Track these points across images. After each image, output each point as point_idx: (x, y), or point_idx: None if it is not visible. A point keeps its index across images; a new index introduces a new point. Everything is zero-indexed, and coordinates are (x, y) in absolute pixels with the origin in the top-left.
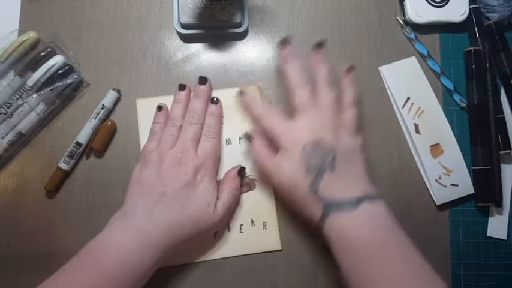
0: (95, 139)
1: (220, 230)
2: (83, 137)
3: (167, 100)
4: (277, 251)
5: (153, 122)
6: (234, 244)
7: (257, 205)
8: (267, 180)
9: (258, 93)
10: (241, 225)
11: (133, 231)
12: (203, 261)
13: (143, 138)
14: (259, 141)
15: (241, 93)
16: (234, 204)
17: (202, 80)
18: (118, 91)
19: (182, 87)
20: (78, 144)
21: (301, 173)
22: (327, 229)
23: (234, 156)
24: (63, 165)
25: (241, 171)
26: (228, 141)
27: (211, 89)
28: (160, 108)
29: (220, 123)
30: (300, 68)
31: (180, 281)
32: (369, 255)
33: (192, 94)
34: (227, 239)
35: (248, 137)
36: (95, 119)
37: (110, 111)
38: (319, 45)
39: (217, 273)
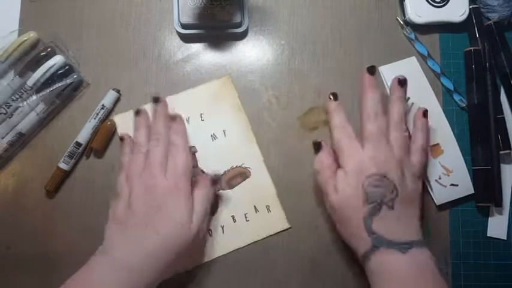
0: (95, 139)
1: (226, 224)
2: (82, 137)
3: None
4: (287, 229)
5: (121, 155)
6: (244, 234)
7: (256, 191)
8: (321, 194)
9: (231, 83)
10: (245, 214)
11: (114, 267)
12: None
13: None
14: (325, 155)
15: (331, 95)
16: (210, 208)
17: (155, 99)
18: (118, 91)
19: (137, 112)
20: (78, 144)
21: (359, 201)
22: (372, 263)
23: (219, 150)
24: (63, 165)
25: (215, 180)
26: (214, 136)
27: (167, 106)
28: (121, 139)
29: (185, 137)
30: (378, 99)
31: (179, 281)
32: None
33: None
34: (236, 231)
35: (317, 146)
36: (94, 119)
37: (110, 111)
38: (402, 83)
39: (219, 268)
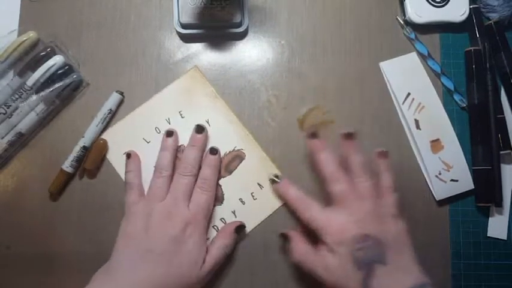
0: (88, 160)
1: (236, 209)
2: (89, 141)
3: (130, 118)
4: None
5: (125, 172)
6: (255, 213)
7: (255, 168)
8: (313, 278)
9: (200, 74)
10: (252, 193)
11: None
12: None
13: (119, 168)
14: (299, 241)
15: (273, 181)
16: (222, 261)
17: (199, 129)
18: (121, 93)
19: (169, 133)
20: (85, 148)
21: (351, 270)
22: None
23: (208, 140)
24: (69, 169)
25: (240, 229)
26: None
27: (207, 138)
28: (128, 155)
29: (216, 175)
30: (332, 157)
31: None
32: None
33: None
34: (248, 212)
35: (284, 237)
36: (102, 123)
37: (114, 114)
38: (350, 135)
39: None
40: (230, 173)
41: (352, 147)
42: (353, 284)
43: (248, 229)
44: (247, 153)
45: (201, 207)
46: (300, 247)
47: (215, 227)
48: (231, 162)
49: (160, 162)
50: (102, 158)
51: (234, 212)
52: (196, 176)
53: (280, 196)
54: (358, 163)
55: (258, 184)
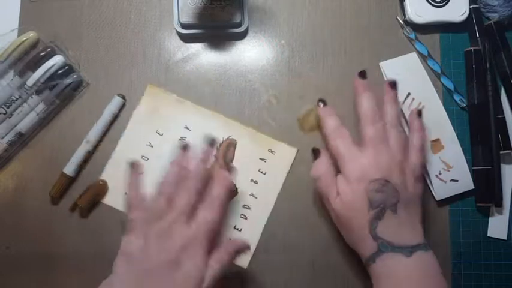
0: (82, 197)
1: (252, 190)
2: (92, 146)
3: (116, 156)
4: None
5: (128, 187)
6: (271, 185)
7: (251, 146)
8: (323, 202)
9: (156, 88)
10: (259, 169)
11: None
12: None
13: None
14: (325, 159)
15: (319, 101)
16: (223, 272)
17: (211, 141)
18: (123, 97)
19: (184, 147)
20: (89, 152)
21: (363, 207)
22: (377, 266)
23: (195, 144)
24: (71, 173)
25: (240, 249)
26: (182, 138)
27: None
28: (133, 166)
29: (228, 194)
30: (374, 102)
31: None
32: None
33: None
34: (263, 188)
35: (315, 153)
36: (105, 127)
37: (116, 117)
38: (394, 85)
39: None
40: (231, 161)
41: (392, 97)
42: (360, 220)
43: (273, 201)
44: (236, 137)
45: (206, 225)
46: (323, 164)
47: (243, 216)
48: (227, 152)
49: (165, 178)
50: (98, 199)
51: (252, 195)
52: (202, 193)
53: (319, 119)
54: (394, 114)
55: (261, 159)
